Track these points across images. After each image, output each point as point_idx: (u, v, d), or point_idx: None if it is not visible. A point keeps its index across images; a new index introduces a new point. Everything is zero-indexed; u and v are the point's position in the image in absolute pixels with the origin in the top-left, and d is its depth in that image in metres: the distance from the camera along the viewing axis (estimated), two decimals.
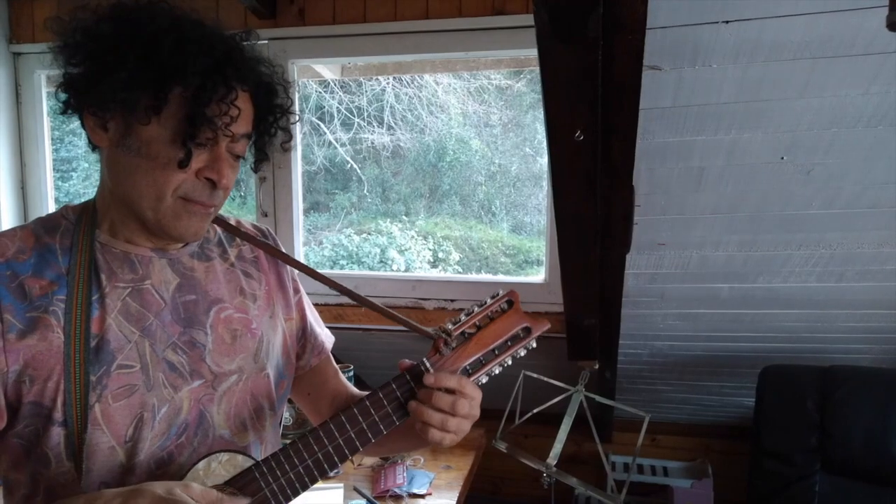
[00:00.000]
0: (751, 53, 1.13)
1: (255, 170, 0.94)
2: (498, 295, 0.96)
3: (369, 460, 1.94)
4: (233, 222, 0.99)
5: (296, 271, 1.06)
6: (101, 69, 0.76)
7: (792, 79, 1.17)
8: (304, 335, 1.07)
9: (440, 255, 5.06)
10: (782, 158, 1.33)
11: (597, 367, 1.93)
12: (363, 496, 1.74)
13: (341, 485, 1.76)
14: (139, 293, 0.85)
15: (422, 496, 1.76)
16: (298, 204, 2.29)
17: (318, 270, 1.05)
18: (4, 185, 2.42)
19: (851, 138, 1.27)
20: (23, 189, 2.49)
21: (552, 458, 1.76)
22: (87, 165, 4.84)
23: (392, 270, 4.79)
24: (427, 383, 0.88)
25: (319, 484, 1.77)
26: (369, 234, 5.07)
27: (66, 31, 0.79)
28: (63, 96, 0.81)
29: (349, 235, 5.05)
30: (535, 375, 1.80)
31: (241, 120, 0.82)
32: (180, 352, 0.86)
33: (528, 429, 1.81)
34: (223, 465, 0.83)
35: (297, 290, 1.06)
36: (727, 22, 1.07)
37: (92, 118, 0.80)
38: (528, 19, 1.85)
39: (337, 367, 1.14)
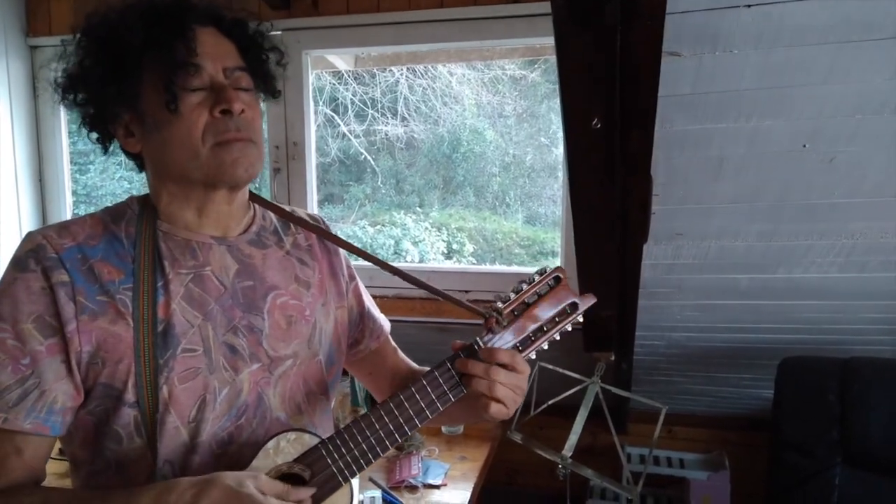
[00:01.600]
0: (773, 38, 1.10)
1: (274, 95, 0.97)
2: (545, 272, 0.99)
3: None
4: (287, 210, 1.03)
5: (349, 261, 1.11)
6: (100, 89, 0.83)
7: (815, 64, 1.14)
8: (362, 320, 1.11)
9: (454, 246, 5.05)
10: (804, 146, 1.31)
11: (613, 358, 1.91)
12: (378, 486, 1.74)
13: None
14: (200, 279, 0.88)
15: (437, 487, 1.76)
16: (313, 196, 2.29)
17: None
18: (22, 177, 2.45)
19: (876, 125, 1.24)
20: (40, 181, 2.52)
21: (567, 450, 1.76)
22: (103, 158, 4.87)
23: (406, 262, 4.79)
24: (481, 357, 0.92)
25: None
26: (383, 225, 5.07)
27: (62, 84, 0.87)
28: (95, 135, 0.90)
29: (363, 227, 5.05)
30: (550, 367, 1.79)
31: (225, 55, 0.87)
32: (240, 335, 0.90)
33: (544, 420, 1.80)
34: (291, 444, 0.87)
35: (352, 277, 1.10)
36: (749, 6, 1.05)
37: (119, 131, 0.88)
38: (544, 7, 1.81)
39: (395, 346, 1.19)
